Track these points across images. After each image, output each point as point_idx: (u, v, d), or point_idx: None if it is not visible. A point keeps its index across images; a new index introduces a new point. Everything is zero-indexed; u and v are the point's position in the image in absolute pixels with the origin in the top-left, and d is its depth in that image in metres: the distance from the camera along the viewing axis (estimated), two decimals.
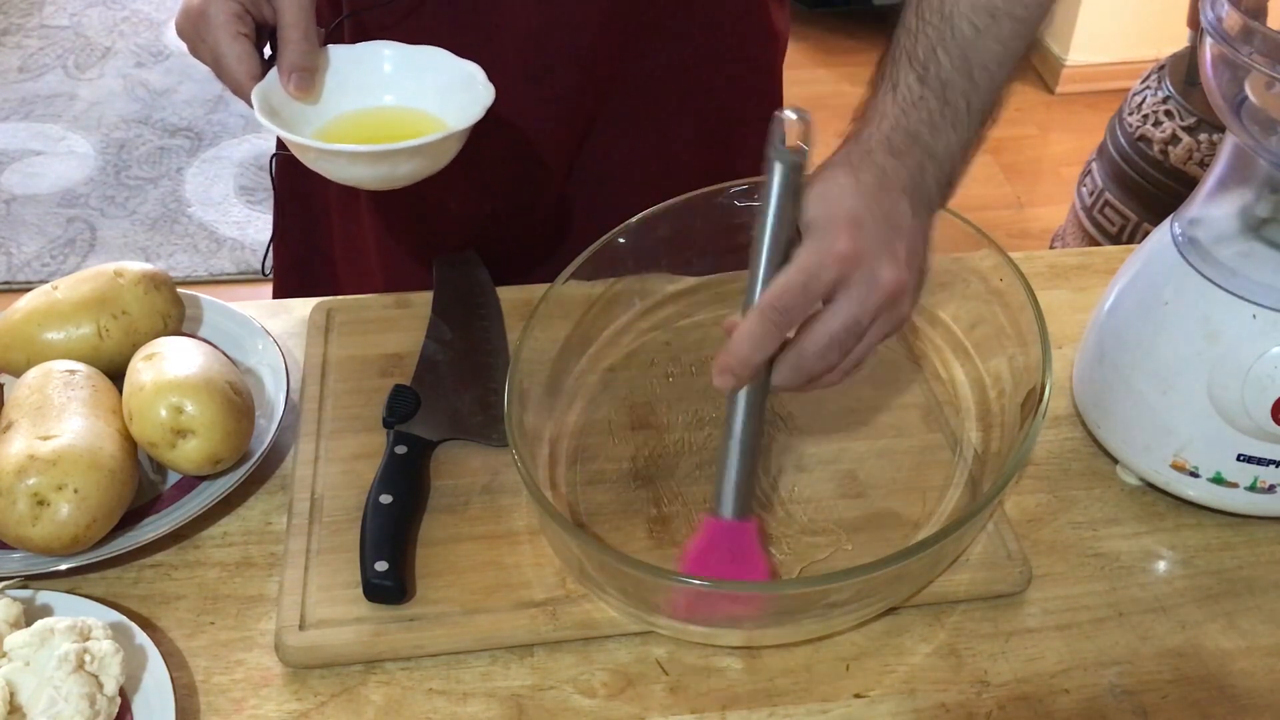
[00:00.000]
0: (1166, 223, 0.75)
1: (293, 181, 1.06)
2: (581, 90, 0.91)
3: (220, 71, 0.73)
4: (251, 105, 0.71)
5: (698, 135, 0.98)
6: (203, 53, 0.73)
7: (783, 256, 0.61)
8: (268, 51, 0.75)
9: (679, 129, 0.97)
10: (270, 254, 1.12)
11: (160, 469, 0.77)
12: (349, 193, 1.02)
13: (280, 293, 1.10)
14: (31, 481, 0.67)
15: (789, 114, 0.60)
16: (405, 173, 0.72)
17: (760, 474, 0.76)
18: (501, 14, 0.87)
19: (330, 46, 0.77)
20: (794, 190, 0.61)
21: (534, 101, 0.88)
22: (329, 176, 0.73)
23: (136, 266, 0.82)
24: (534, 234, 1.01)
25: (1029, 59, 2.95)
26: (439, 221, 0.98)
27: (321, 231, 1.08)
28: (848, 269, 0.59)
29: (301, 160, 0.73)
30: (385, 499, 0.71)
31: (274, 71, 0.73)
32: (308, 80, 0.73)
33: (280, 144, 1.05)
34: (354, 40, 0.80)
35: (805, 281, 0.59)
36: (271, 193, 1.08)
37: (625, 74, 0.92)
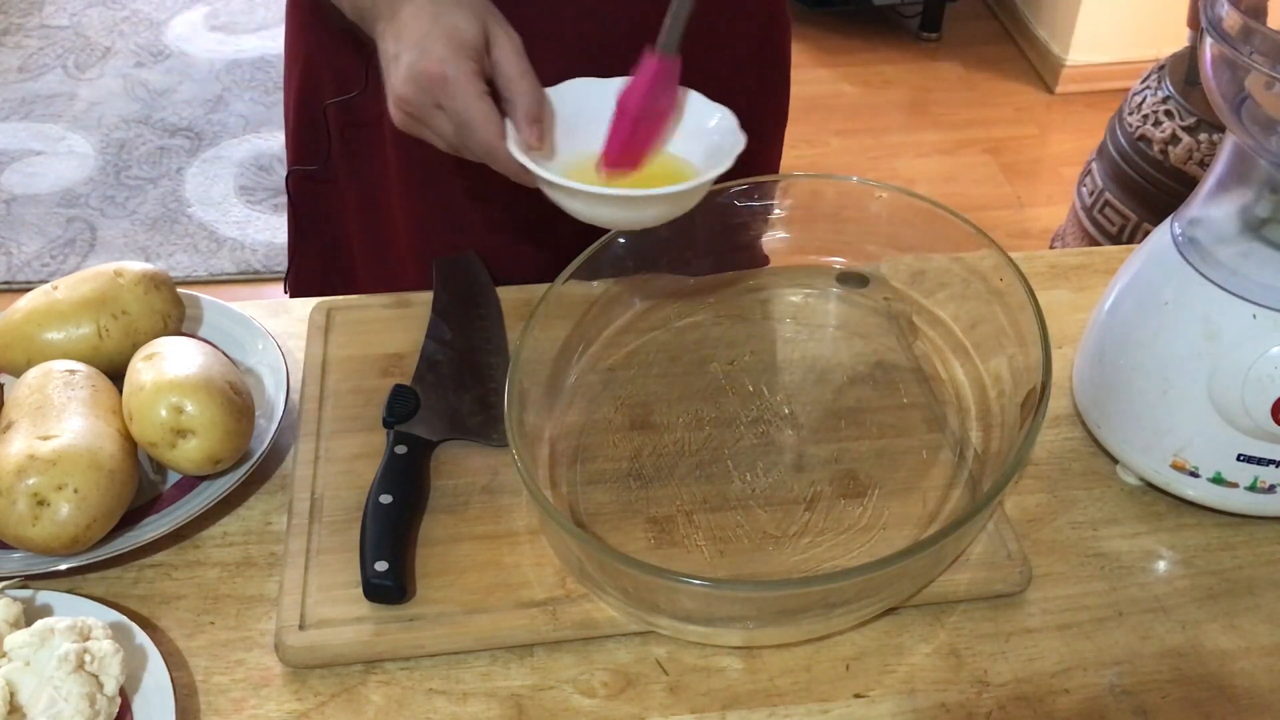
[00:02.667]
0: (1166, 223, 0.75)
1: (311, 196, 1.05)
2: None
3: (465, 135, 0.70)
4: (504, 164, 0.70)
5: None
6: (435, 119, 0.70)
7: None
8: None
9: None
10: (289, 277, 1.11)
11: (160, 469, 0.77)
12: (373, 204, 1.02)
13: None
14: (31, 481, 0.67)
15: None
16: (652, 216, 0.72)
17: (758, 470, 0.76)
18: (547, 6, 0.86)
19: (583, 80, 0.77)
20: None
21: None
22: (575, 215, 0.72)
23: (136, 266, 0.82)
24: (535, 233, 1.01)
25: (1027, 56, 2.95)
26: (475, 226, 0.97)
27: (342, 248, 1.07)
28: None
29: (554, 200, 0.72)
30: (385, 499, 0.71)
31: (508, 124, 0.71)
32: (543, 130, 0.72)
33: (291, 158, 1.04)
34: None
35: None
36: (271, 195, 1.08)
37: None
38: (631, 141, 0.74)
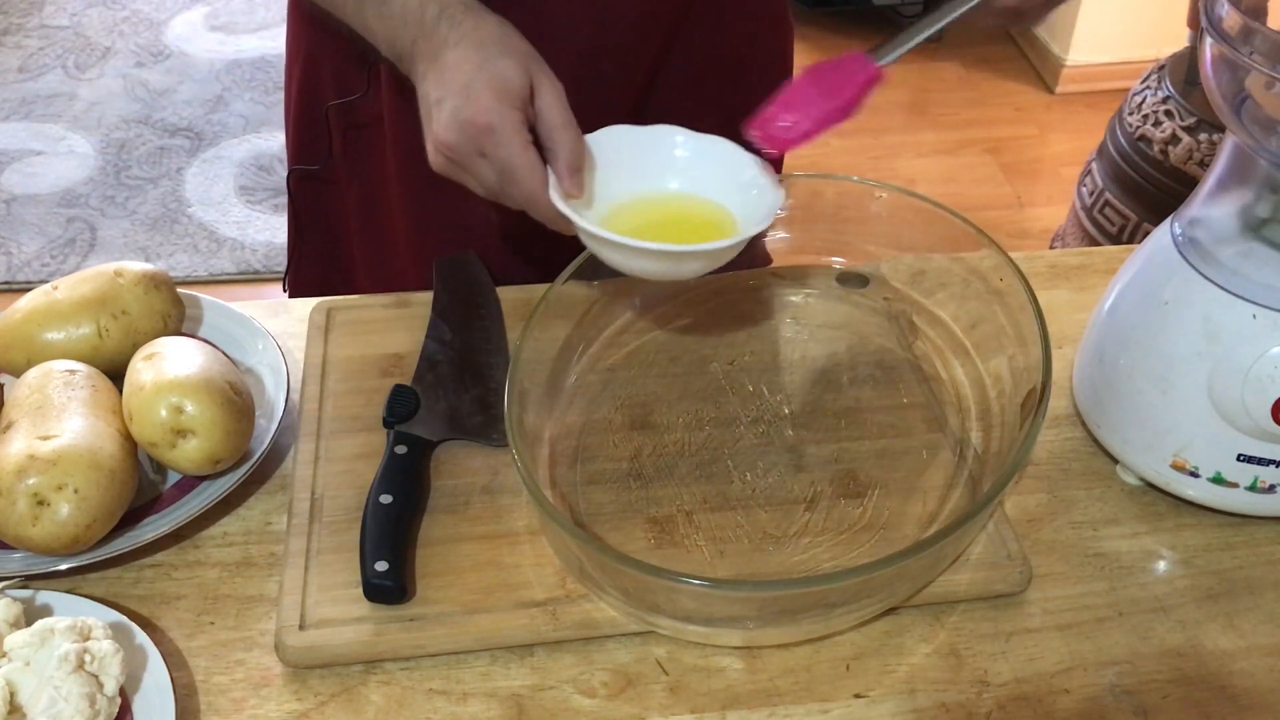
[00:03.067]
0: (1166, 223, 0.75)
1: (312, 197, 1.05)
2: (624, 92, 0.92)
3: (508, 184, 0.70)
4: (545, 213, 0.70)
5: (720, 127, 0.99)
6: (478, 167, 0.70)
7: None
8: None
9: (706, 124, 0.98)
10: (288, 276, 1.11)
11: (160, 469, 0.77)
12: (373, 205, 1.02)
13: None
14: (31, 481, 0.67)
15: None
16: (689, 270, 0.72)
17: (758, 470, 0.76)
18: (547, 19, 0.87)
19: (621, 128, 0.77)
20: None
21: (580, 106, 0.89)
22: (611, 265, 0.72)
23: (136, 266, 0.82)
24: (535, 234, 1.01)
25: (1027, 56, 2.95)
26: (477, 229, 0.97)
27: (342, 248, 1.08)
28: None
29: (592, 250, 0.72)
30: (385, 499, 0.71)
31: (550, 173, 0.71)
32: (583, 180, 0.71)
33: (291, 158, 1.04)
34: None
35: None
36: (271, 195, 1.08)
37: (664, 73, 0.93)
38: (787, 115, 0.72)
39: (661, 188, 0.77)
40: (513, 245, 0.98)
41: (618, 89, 0.93)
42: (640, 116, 0.95)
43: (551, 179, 0.70)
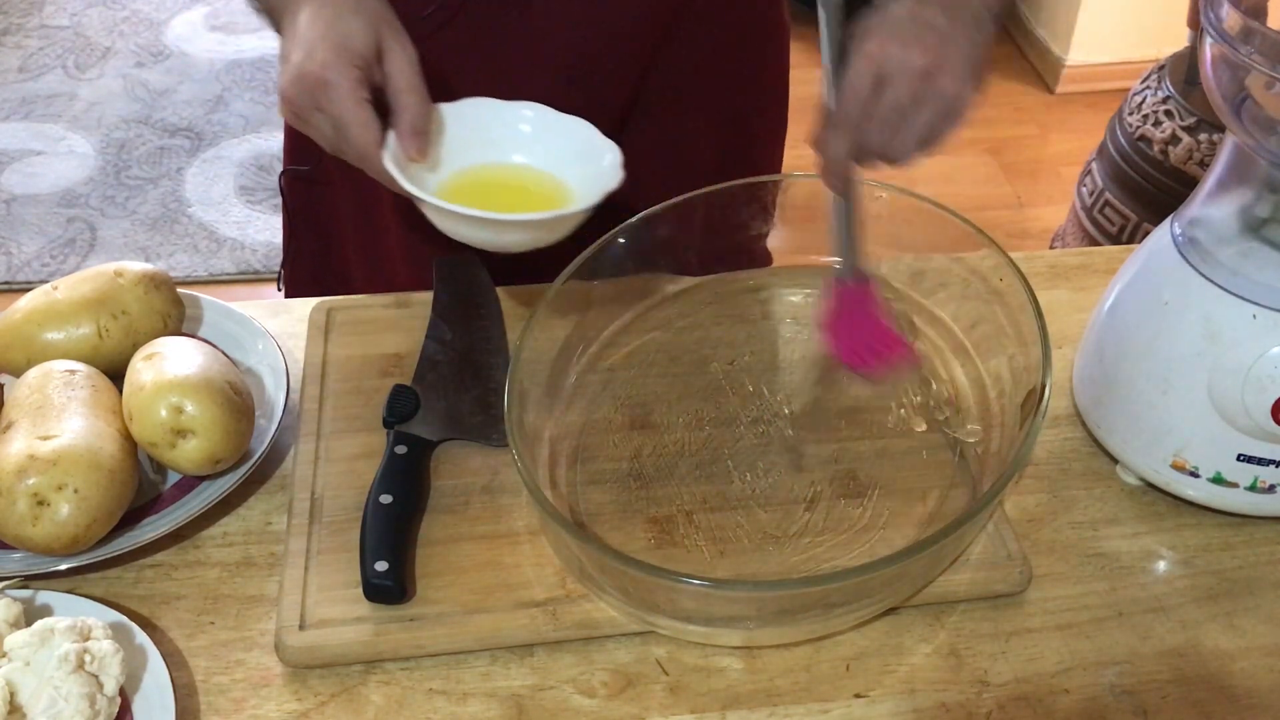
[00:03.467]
0: (1166, 223, 0.75)
1: (305, 197, 1.05)
2: (615, 93, 0.92)
3: (341, 140, 0.71)
4: (378, 172, 0.71)
5: (715, 129, 0.99)
6: (316, 120, 0.72)
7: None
8: None
9: (698, 124, 0.98)
10: (283, 274, 1.11)
11: (160, 469, 0.77)
12: (365, 206, 1.02)
13: None
14: (31, 481, 0.67)
15: None
16: (515, 240, 0.72)
17: (758, 470, 0.76)
18: (538, 20, 0.87)
19: (484, 100, 0.77)
20: (839, 22, 0.72)
21: (570, 107, 0.89)
22: (445, 232, 0.72)
23: (136, 266, 0.82)
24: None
25: (1027, 56, 2.96)
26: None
27: (335, 246, 1.08)
28: (881, 64, 0.69)
29: (434, 222, 0.72)
30: (385, 499, 0.71)
31: (390, 135, 0.72)
32: (425, 143, 0.72)
33: (287, 158, 1.04)
34: None
35: (849, 86, 0.70)
36: (271, 195, 1.08)
37: (655, 74, 0.93)
38: (853, 356, 0.76)
39: (506, 160, 0.78)
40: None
41: (605, 92, 0.92)
42: (628, 120, 0.95)
43: (393, 140, 0.71)
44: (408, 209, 0.99)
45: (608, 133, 0.94)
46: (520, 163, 0.78)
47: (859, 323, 0.75)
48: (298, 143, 1.03)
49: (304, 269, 1.10)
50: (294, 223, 1.08)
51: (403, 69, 0.71)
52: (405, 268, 1.01)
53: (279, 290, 1.12)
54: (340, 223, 1.06)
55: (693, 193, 0.83)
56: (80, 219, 2.46)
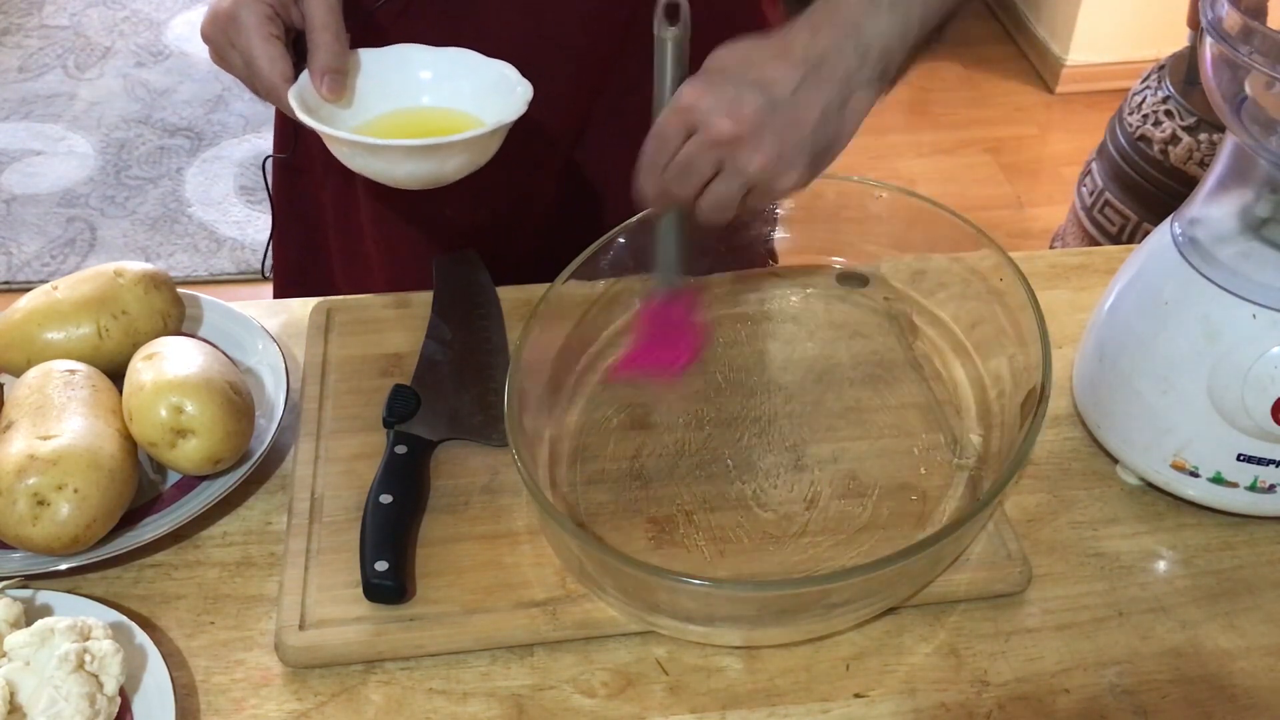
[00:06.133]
0: (1166, 223, 0.75)
1: (289, 185, 1.06)
2: (574, 90, 0.91)
3: (251, 75, 0.73)
4: (285, 108, 0.71)
5: None
6: (231, 57, 0.73)
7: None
8: None
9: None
10: (269, 255, 1.11)
11: (160, 469, 0.77)
12: (346, 197, 1.02)
13: (280, 294, 1.10)
14: (31, 481, 0.67)
15: None
16: (452, 169, 0.72)
17: (758, 470, 0.76)
18: (489, 17, 0.87)
19: (363, 50, 0.77)
20: (680, 60, 0.68)
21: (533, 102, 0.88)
22: (371, 176, 0.72)
23: (136, 266, 0.82)
24: (533, 234, 1.01)
25: (1027, 56, 2.96)
26: (437, 225, 0.98)
27: (319, 235, 1.08)
28: (688, 119, 0.66)
29: (341, 159, 0.73)
30: (385, 499, 0.71)
31: (305, 74, 0.73)
32: (339, 82, 0.73)
33: (276, 147, 1.04)
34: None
35: (654, 131, 0.67)
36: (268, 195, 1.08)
37: (617, 72, 0.92)
38: (654, 362, 0.78)
39: (413, 104, 0.79)
40: (512, 245, 0.98)
41: (560, 86, 0.90)
42: (590, 115, 0.94)
43: (306, 79, 0.72)
44: (372, 200, 0.99)
45: (570, 135, 0.94)
46: (431, 104, 0.79)
47: (670, 332, 0.77)
48: (281, 129, 1.03)
49: (287, 255, 1.11)
50: (279, 209, 1.09)
51: (317, 8, 0.72)
52: (379, 262, 1.02)
53: (262, 275, 1.13)
54: (323, 208, 1.06)
55: None
56: (80, 219, 2.46)
